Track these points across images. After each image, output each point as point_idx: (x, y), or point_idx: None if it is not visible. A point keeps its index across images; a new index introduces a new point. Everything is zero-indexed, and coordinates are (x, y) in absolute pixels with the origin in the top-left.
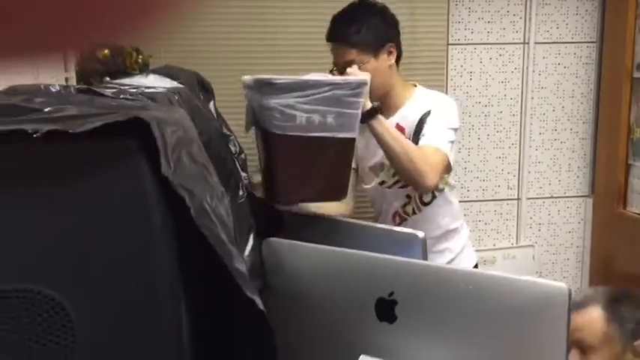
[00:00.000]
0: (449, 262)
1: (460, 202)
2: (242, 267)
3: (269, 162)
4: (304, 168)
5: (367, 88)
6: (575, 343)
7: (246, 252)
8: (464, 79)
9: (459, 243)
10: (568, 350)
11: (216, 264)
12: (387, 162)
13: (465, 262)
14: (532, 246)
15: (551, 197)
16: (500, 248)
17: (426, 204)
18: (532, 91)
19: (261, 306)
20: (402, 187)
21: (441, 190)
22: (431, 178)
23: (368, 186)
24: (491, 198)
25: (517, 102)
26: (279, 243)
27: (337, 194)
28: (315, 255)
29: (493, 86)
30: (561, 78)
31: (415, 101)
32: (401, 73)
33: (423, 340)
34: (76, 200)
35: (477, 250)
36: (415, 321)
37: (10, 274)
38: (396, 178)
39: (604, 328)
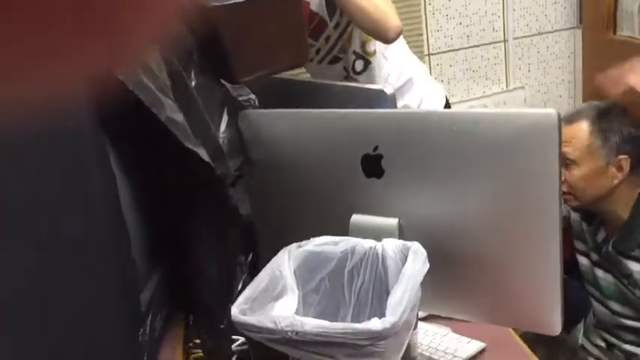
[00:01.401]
0: None
1: (445, 52)
2: (178, 117)
3: (214, 41)
4: (255, 38)
5: None
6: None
7: (222, 128)
8: None
9: (417, 94)
10: None
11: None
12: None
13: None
14: (522, 88)
15: (539, 34)
16: (491, 95)
17: (359, 72)
18: None
19: (205, 157)
20: (330, 62)
21: (373, 54)
22: (397, 21)
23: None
24: (476, 43)
25: None
26: (255, 114)
27: (298, 58)
28: (292, 120)
29: None
30: None
31: None
32: None
33: (414, 190)
34: None
35: (466, 100)
36: (403, 172)
37: None
38: (321, 55)
39: (588, 140)
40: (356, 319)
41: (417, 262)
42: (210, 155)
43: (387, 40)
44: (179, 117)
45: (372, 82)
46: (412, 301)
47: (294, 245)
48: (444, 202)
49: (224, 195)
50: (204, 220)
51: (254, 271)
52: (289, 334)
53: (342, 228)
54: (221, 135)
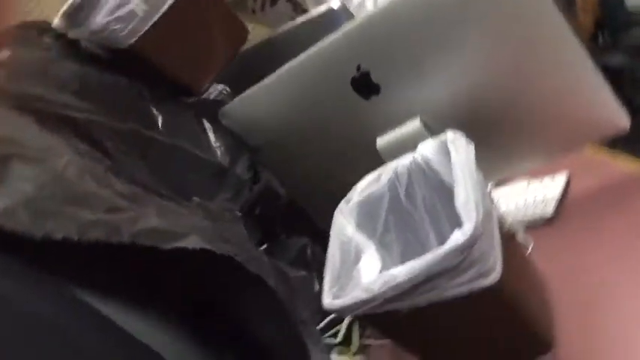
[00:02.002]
0: None
1: None
2: (148, 222)
3: (155, 71)
4: (191, 43)
5: None
6: None
7: (212, 138)
8: None
9: None
10: None
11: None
12: None
13: None
14: None
15: None
16: None
17: None
18: None
19: (196, 244)
20: (272, 4)
21: None
22: None
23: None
24: None
25: None
26: (233, 105)
27: (240, 37)
28: (268, 90)
29: None
30: None
31: None
32: None
33: (418, 84)
34: None
35: None
36: (395, 75)
37: None
38: (259, 1)
39: None
40: (440, 234)
41: (459, 150)
42: (215, 178)
43: None
44: (150, 222)
45: None
46: (479, 191)
47: (342, 203)
48: (451, 79)
49: (241, 271)
50: (244, 307)
51: (323, 248)
52: (387, 293)
53: (374, 159)
54: (215, 146)
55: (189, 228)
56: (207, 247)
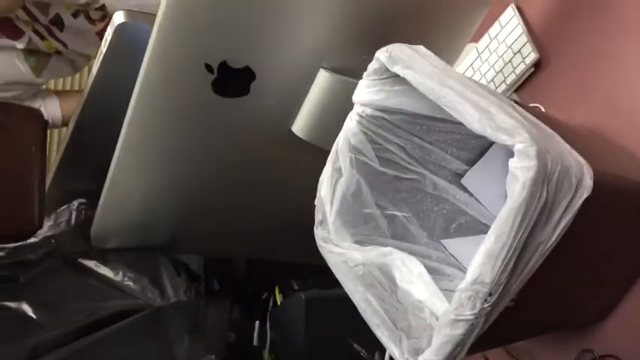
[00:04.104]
0: None
1: None
2: None
3: None
4: None
5: None
6: None
7: (111, 276)
8: None
9: None
10: None
11: None
12: None
13: None
14: None
15: None
16: None
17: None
18: None
19: None
20: (61, 30)
21: None
22: None
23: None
24: None
25: None
26: (98, 224)
27: (40, 124)
28: (125, 180)
29: None
30: None
31: None
32: None
33: (293, 41)
34: None
35: None
36: (261, 44)
37: None
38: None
39: None
40: (455, 175)
41: (411, 63)
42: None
43: None
44: None
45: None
46: (481, 90)
47: (318, 232)
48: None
49: None
50: None
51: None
52: (485, 307)
53: (312, 155)
54: (122, 282)
55: None
56: None
